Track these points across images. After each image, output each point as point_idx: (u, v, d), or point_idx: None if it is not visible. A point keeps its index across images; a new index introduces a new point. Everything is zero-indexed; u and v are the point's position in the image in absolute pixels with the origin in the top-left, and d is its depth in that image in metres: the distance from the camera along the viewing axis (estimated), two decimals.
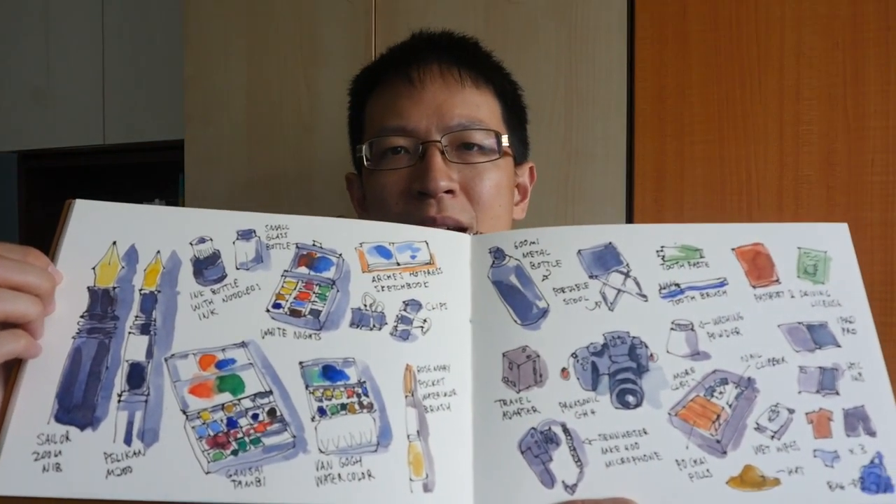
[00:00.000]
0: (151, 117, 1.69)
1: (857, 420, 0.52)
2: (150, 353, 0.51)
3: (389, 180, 0.75)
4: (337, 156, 1.25)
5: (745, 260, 0.58)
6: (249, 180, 1.31)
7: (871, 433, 0.52)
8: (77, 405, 0.49)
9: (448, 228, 0.70)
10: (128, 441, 0.48)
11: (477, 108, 0.76)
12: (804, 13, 0.99)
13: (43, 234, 1.53)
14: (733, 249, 0.58)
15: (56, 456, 0.47)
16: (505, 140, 0.76)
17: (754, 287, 0.57)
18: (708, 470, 0.51)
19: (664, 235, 0.58)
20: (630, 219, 1.06)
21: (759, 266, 0.57)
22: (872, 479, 0.50)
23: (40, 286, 0.49)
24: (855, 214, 0.97)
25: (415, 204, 0.73)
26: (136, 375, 0.50)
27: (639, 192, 1.06)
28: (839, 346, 0.55)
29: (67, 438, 0.48)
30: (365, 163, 0.77)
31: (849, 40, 0.97)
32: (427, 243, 0.59)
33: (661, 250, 0.58)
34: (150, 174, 1.91)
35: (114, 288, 0.53)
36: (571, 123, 1.08)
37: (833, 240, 0.59)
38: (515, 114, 0.82)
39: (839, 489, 0.50)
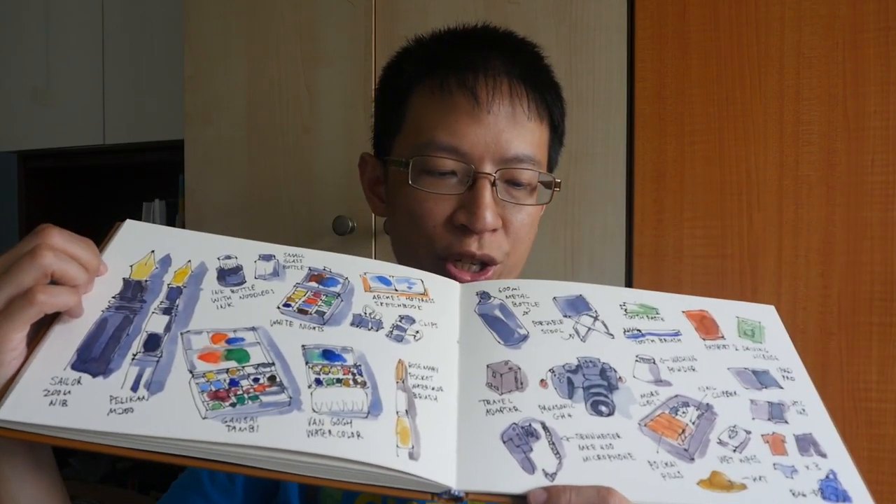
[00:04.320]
0: (151, 117, 1.69)
1: (807, 444, 0.58)
2: (168, 328, 0.56)
3: (431, 204, 0.71)
4: (337, 156, 1.25)
5: (694, 320, 0.67)
6: (249, 180, 1.31)
7: (822, 455, 0.57)
8: (94, 358, 0.53)
9: (482, 263, 0.73)
10: (134, 389, 0.51)
11: (534, 144, 0.73)
12: (804, 13, 0.99)
13: None
14: (683, 312, 0.68)
15: (65, 395, 0.50)
16: (545, 181, 0.75)
17: (704, 339, 0.65)
18: (679, 472, 0.54)
19: (625, 295, 0.68)
20: (630, 219, 1.07)
21: (705, 325, 0.67)
22: (831, 491, 0.55)
23: (90, 262, 0.55)
24: (855, 214, 0.97)
25: (457, 235, 0.71)
26: (153, 342, 0.55)
27: (639, 192, 1.06)
28: (782, 388, 0.62)
29: (79, 382, 0.51)
30: (409, 180, 0.71)
31: (849, 40, 0.97)
32: (422, 280, 0.66)
33: (624, 305, 0.67)
34: (150, 174, 1.91)
35: (146, 280, 0.60)
36: (571, 123, 1.07)
37: (764, 315, 0.69)
38: (558, 142, 0.80)
39: (802, 496, 0.54)
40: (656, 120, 1.05)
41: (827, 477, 0.55)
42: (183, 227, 1.45)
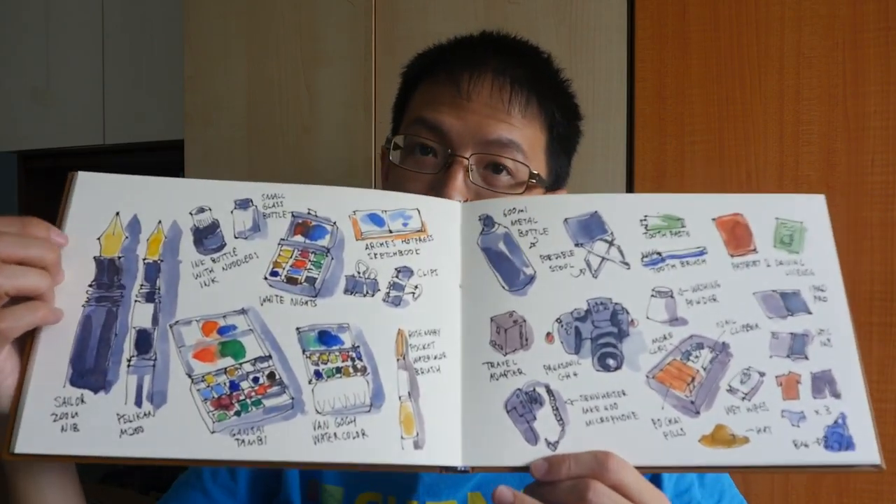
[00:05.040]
0: (151, 117, 1.69)
1: (823, 383, 0.55)
2: (155, 320, 0.54)
3: (409, 182, 0.73)
4: (337, 156, 1.25)
5: (725, 230, 0.60)
6: (249, 180, 1.31)
7: (837, 395, 0.55)
8: (90, 370, 0.52)
9: None
10: (138, 403, 0.51)
11: (516, 135, 0.72)
12: (804, 13, 0.99)
13: None
14: (714, 219, 0.60)
15: (73, 417, 0.50)
16: (533, 175, 0.73)
17: (732, 256, 0.59)
18: (682, 429, 0.53)
19: (648, 205, 0.61)
20: None
21: (737, 236, 0.60)
22: (835, 438, 0.53)
23: (45, 258, 0.50)
24: (855, 214, 0.97)
25: None
26: (144, 341, 0.54)
27: (639, 191, 1.06)
28: (810, 314, 0.57)
29: (82, 401, 0.51)
30: (390, 155, 0.75)
31: (849, 40, 0.97)
32: (419, 210, 0.61)
33: (645, 219, 0.60)
34: (150, 174, 1.90)
35: (119, 258, 0.56)
36: None
37: (809, 210, 0.62)
38: (562, 144, 0.79)
39: (804, 447, 0.53)
40: (656, 120, 1.05)
41: (835, 422, 0.54)
42: None
